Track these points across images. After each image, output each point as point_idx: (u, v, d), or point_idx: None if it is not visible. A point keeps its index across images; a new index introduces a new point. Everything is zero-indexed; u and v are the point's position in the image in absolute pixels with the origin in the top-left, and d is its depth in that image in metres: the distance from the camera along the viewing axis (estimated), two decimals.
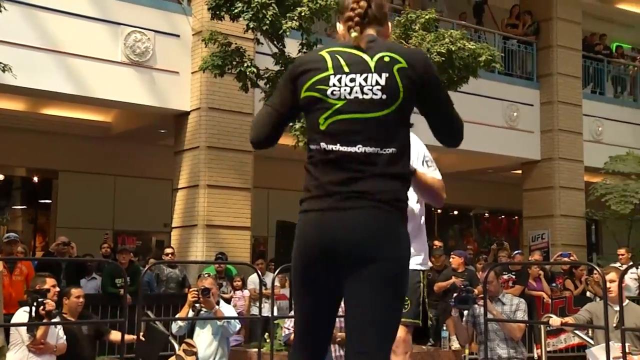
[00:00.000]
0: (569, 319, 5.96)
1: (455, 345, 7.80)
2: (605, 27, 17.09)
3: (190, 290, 6.43)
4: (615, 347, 4.91)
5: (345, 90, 2.21)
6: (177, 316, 6.58)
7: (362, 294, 2.15)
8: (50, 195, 13.73)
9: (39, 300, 5.03)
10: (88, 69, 9.91)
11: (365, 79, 2.20)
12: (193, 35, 10.74)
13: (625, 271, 5.98)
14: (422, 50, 2.78)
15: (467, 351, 7.65)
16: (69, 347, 5.47)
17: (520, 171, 15.07)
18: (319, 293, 2.24)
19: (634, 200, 13.13)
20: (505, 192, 16.54)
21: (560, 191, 14.25)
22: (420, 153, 3.27)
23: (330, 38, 10.12)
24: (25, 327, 5.16)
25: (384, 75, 2.20)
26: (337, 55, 2.26)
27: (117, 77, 10.14)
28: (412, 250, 3.34)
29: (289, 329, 5.72)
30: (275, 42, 8.46)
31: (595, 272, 8.79)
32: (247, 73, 8.44)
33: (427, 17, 9.09)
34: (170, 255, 9.50)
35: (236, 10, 8.05)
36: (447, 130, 2.35)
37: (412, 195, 3.10)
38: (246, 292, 9.44)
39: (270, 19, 7.86)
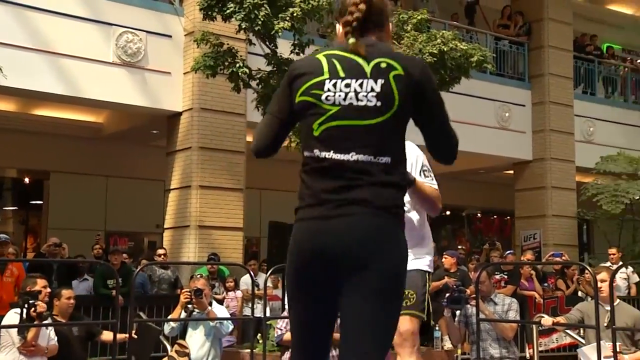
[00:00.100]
0: (561, 319, 5.98)
1: (448, 345, 7.81)
2: (596, 28, 17.17)
3: (183, 291, 6.42)
4: (606, 347, 4.93)
5: (340, 95, 2.17)
6: (169, 317, 6.56)
7: (357, 300, 2.12)
8: (42, 196, 13.67)
9: (30, 302, 5.00)
10: (79, 70, 9.87)
11: (361, 85, 2.16)
12: (185, 35, 10.72)
13: (616, 271, 6.02)
14: (421, 59, 2.72)
15: (459, 351, 7.67)
16: (60, 348, 5.45)
17: (512, 171, 15.12)
18: (315, 301, 2.21)
19: (624, 200, 13.19)
20: (498, 193, 16.59)
21: (552, 191, 14.30)
22: (419, 162, 3.26)
23: (322, 38, 10.12)
24: (16, 329, 5.13)
25: (380, 81, 2.15)
26: (333, 60, 2.21)
27: (108, 78, 10.11)
28: (416, 253, 3.39)
29: (281, 330, 5.71)
30: (267, 43, 8.45)
31: (586, 271, 8.83)
32: (239, 74, 8.43)
33: (419, 17, 9.11)
34: (162, 256, 9.48)
35: (228, 11, 8.05)
36: (442, 144, 2.29)
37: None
38: (239, 293, 9.43)
39: (262, 19, 7.86)
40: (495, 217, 19.33)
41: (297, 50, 8.41)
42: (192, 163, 10.56)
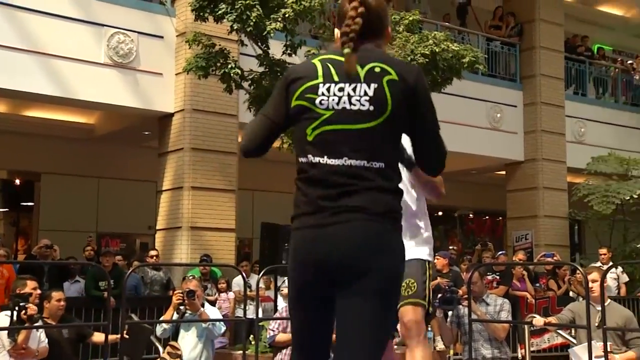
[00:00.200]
0: (552, 319, 6.00)
1: (440, 345, 7.81)
2: (587, 29, 17.25)
3: (175, 292, 6.41)
4: (597, 346, 4.95)
5: (333, 100, 2.17)
6: (161, 319, 6.55)
7: (354, 301, 2.13)
8: (33, 198, 13.61)
9: (21, 304, 4.97)
10: (71, 71, 9.83)
11: (354, 89, 2.16)
12: (177, 36, 10.70)
13: (607, 271, 6.04)
14: (417, 65, 2.71)
15: (451, 352, 7.68)
16: (51, 350, 5.43)
17: (504, 172, 15.16)
18: (315, 308, 2.22)
19: (615, 201, 13.25)
20: (489, 193, 16.64)
21: (544, 192, 14.35)
22: None
23: (314, 39, 10.11)
24: (6, 332, 5.10)
25: (373, 86, 2.15)
26: (328, 64, 2.21)
27: (100, 79, 10.08)
28: (415, 243, 3.37)
29: (273, 331, 5.71)
30: (259, 44, 8.45)
31: (577, 272, 8.86)
32: (231, 74, 8.43)
33: (410, 18, 9.13)
34: (154, 258, 9.45)
35: (220, 12, 8.04)
36: (431, 153, 2.28)
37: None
38: (231, 294, 9.41)
39: (254, 20, 7.85)
40: (487, 217, 19.38)
41: (289, 51, 8.41)
42: (184, 164, 10.53)
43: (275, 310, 7.85)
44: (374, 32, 2.25)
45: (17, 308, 4.99)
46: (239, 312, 8.94)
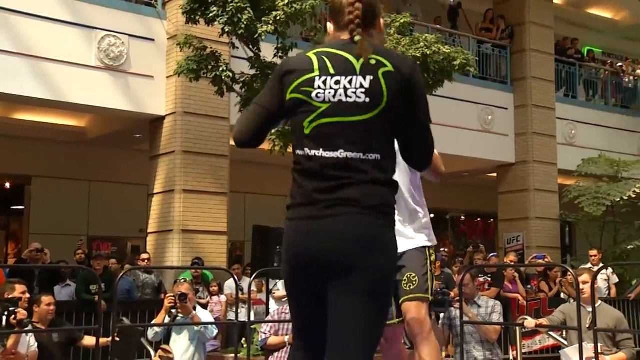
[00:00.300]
0: (544, 321, 6.02)
1: None
2: (577, 32, 17.33)
3: (167, 295, 6.38)
4: (588, 348, 4.97)
5: (329, 92, 2.17)
6: (153, 322, 6.52)
7: (345, 298, 2.13)
8: (23, 201, 13.54)
9: (10, 309, 4.94)
10: (61, 74, 9.79)
11: (350, 82, 2.17)
12: (168, 39, 10.68)
13: (597, 272, 6.07)
14: (412, 58, 2.72)
15: (443, 354, 7.67)
16: (41, 355, 5.40)
17: (495, 174, 15.21)
18: (308, 300, 2.23)
19: (606, 203, 13.32)
20: (481, 195, 16.68)
21: (535, 194, 14.40)
22: None
23: (305, 42, 10.12)
24: None
25: (369, 78, 2.16)
26: (323, 57, 2.22)
27: (91, 82, 10.04)
28: (412, 230, 3.35)
29: (265, 334, 5.70)
30: (250, 46, 8.45)
31: (568, 273, 8.89)
32: (223, 77, 8.41)
33: (402, 21, 9.15)
34: (146, 261, 9.42)
35: (211, 14, 8.03)
36: (421, 147, 2.27)
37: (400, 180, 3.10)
38: (223, 298, 9.39)
39: (245, 23, 7.85)
40: (478, 219, 19.42)
41: (280, 54, 8.42)
42: (175, 167, 10.51)
43: (267, 313, 7.84)
44: (367, 22, 2.26)
45: (6, 313, 4.96)
46: (231, 315, 8.92)
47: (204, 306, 8.16)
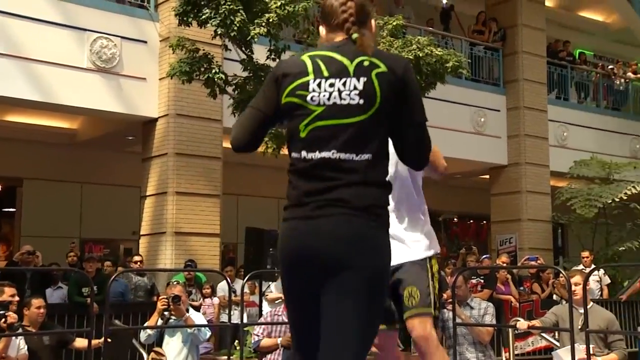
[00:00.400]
0: (536, 322, 6.04)
1: None
2: (569, 34, 17.41)
3: (160, 298, 6.37)
4: (580, 349, 4.98)
5: (324, 95, 2.19)
6: (145, 324, 6.51)
7: (336, 301, 2.14)
8: (15, 203, 13.47)
9: (0, 312, 4.92)
10: (53, 76, 9.76)
11: (344, 84, 2.18)
12: (160, 41, 10.66)
13: (589, 274, 6.09)
14: (405, 58, 2.74)
15: None
16: (31, 358, 5.37)
17: (487, 176, 15.25)
18: (302, 300, 2.24)
19: (597, 204, 13.38)
20: (474, 197, 16.71)
21: (527, 195, 14.45)
22: None
23: (298, 44, 10.13)
24: None
25: (362, 79, 2.17)
26: (317, 59, 2.23)
27: (83, 84, 10.01)
28: (412, 239, 3.26)
29: (258, 336, 5.70)
30: (243, 49, 8.44)
31: (561, 275, 8.92)
32: (215, 79, 8.40)
33: (394, 23, 9.17)
34: (138, 263, 9.39)
35: (204, 16, 8.02)
36: (418, 144, 2.27)
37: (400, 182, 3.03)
38: (215, 300, 9.38)
39: (238, 25, 7.85)
40: (471, 221, 19.46)
41: (273, 56, 8.42)
42: (168, 169, 10.49)
43: (260, 315, 7.84)
44: (359, 21, 2.28)
45: None
46: (224, 318, 8.90)
47: (197, 308, 8.15)
